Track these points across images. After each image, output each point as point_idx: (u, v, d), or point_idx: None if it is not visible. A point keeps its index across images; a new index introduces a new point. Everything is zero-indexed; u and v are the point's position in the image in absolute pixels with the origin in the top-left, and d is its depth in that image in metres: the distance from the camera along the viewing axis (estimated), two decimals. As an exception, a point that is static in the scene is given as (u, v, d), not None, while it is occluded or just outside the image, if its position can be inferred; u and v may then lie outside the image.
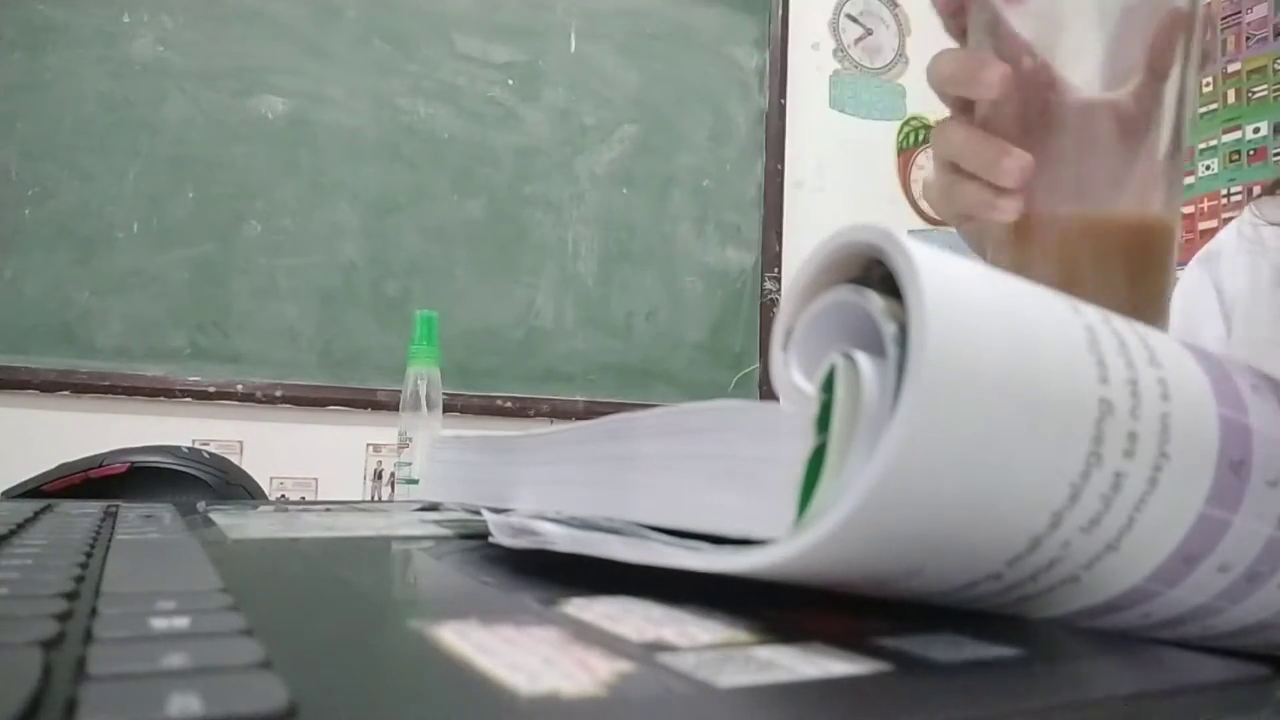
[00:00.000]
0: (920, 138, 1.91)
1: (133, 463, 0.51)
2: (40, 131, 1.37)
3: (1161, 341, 0.15)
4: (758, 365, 1.71)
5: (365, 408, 1.48)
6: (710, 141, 1.74)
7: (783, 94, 1.79)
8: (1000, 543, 0.13)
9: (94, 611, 0.13)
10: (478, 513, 0.24)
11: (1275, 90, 1.66)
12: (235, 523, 0.29)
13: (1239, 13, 1.72)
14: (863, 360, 0.13)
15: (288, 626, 0.13)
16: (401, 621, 0.14)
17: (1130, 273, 0.33)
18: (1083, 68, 0.32)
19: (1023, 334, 0.13)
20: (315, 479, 1.47)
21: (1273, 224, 0.56)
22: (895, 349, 0.13)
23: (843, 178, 1.84)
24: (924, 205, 1.90)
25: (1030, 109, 0.33)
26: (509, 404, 1.56)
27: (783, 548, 0.13)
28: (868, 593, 0.14)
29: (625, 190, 1.67)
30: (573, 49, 1.66)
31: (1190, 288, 0.60)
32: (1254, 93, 1.69)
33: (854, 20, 1.90)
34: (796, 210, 1.77)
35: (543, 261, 1.61)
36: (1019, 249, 0.34)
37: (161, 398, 1.41)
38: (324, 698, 0.09)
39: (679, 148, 1.71)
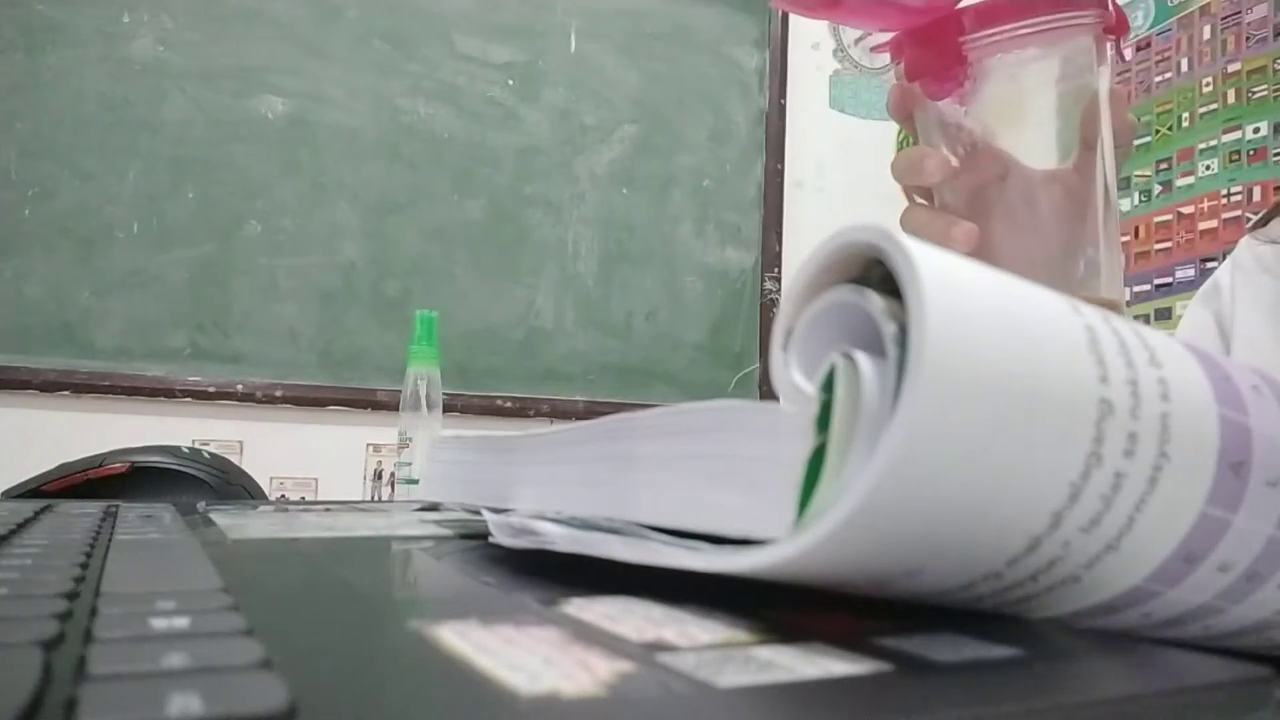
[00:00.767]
0: (920, 138, 1.91)
1: (133, 463, 0.51)
2: (40, 131, 1.38)
3: (1161, 341, 0.15)
4: (758, 365, 1.71)
5: (365, 408, 1.48)
6: (710, 141, 1.74)
7: (783, 94, 1.79)
8: (1000, 543, 0.13)
9: (94, 611, 0.13)
10: (478, 513, 0.24)
11: (1275, 90, 1.66)
12: (235, 523, 0.29)
13: (1239, 13, 1.72)
14: (863, 360, 0.13)
15: (288, 626, 0.13)
16: (401, 621, 0.14)
17: None
18: (1034, 149, 0.37)
19: (1023, 334, 0.13)
20: (315, 479, 1.47)
21: (1273, 241, 0.57)
22: (895, 349, 0.13)
23: (843, 178, 1.84)
24: (924, 205, 1.90)
25: (979, 189, 0.37)
26: (509, 404, 1.56)
27: (783, 548, 0.13)
28: (868, 593, 0.14)
29: (625, 190, 1.67)
30: (573, 49, 1.66)
31: (1193, 326, 0.61)
32: (1254, 93, 1.69)
33: (854, 20, 1.89)
34: (796, 210, 1.77)
35: (543, 261, 1.61)
36: None
37: (161, 398, 1.41)
38: (324, 698, 0.09)
39: (679, 148, 1.71)
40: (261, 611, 0.14)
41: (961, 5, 0.36)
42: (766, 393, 1.66)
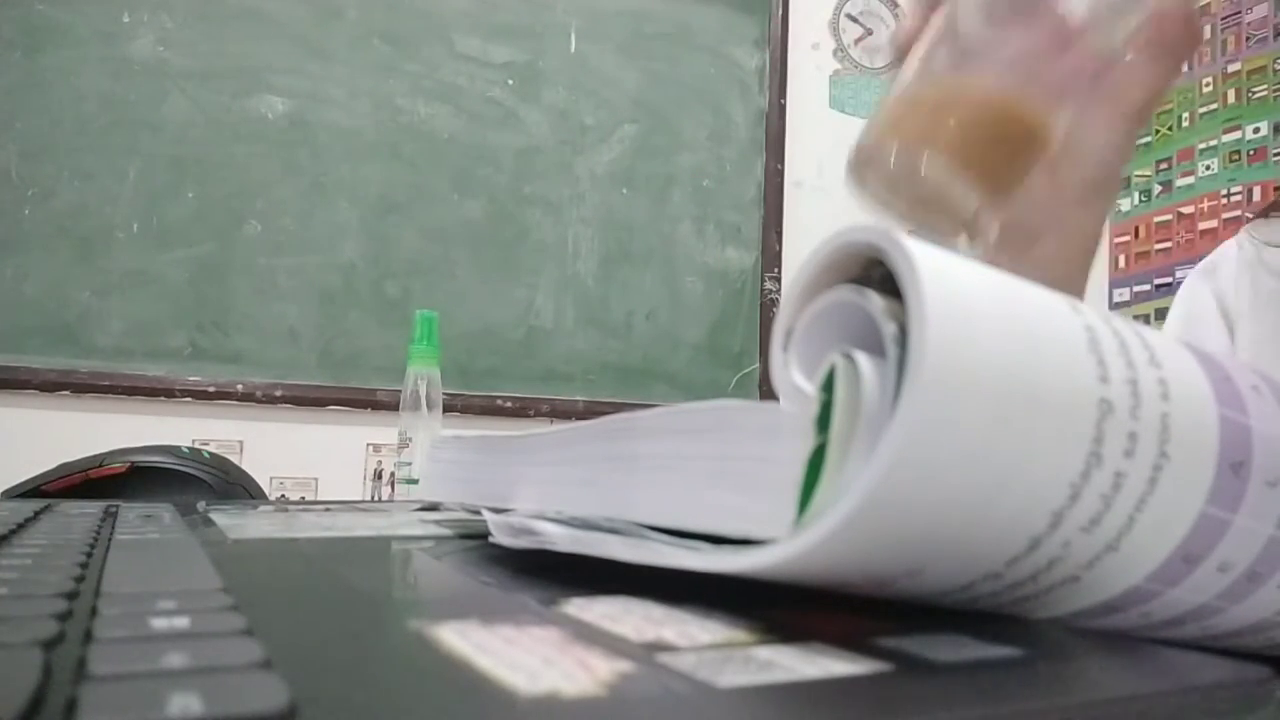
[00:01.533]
0: (920, 138, 1.91)
1: (133, 463, 0.51)
2: (40, 131, 1.38)
3: (1162, 342, 0.15)
4: (758, 365, 1.71)
5: (365, 408, 1.48)
6: (710, 141, 1.74)
7: (783, 94, 1.79)
8: (1000, 543, 0.13)
9: (94, 611, 0.13)
10: (478, 513, 0.24)
11: (1275, 90, 1.66)
12: (235, 523, 0.29)
13: (1239, 13, 1.72)
14: (863, 360, 0.13)
15: (288, 626, 0.13)
16: (401, 621, 0.14)
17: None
18: None
19: (1023, 334, 0.13)
20: (315, 479, 1.47)
21: (1271, 244, 0.56)
22: (895, 349, 0.13)
23: (843, 178, 1.83)
24: (924, 205, 1.90)
25: None
26: (509, 404, 1.56)
27: (783, 548, 0.13)
28: (868, 593, 0.14)
29: (625, 190, 1.67)
30: (573, 49, 1.66)
31: (1191, 299, 0.60)
32: (1254, 93, 1.69)
33: (854, 20, 1.90)
34: (796, 210, 1.77)
35: (543, 261, 1.61)
36: None
37: (161, 398, 1.41)
38: (324, 698, 0.09)
39: (679, 148, 1.71)
40: (261, 611, 0.14)
41: None
42: (766, 393, 1.65)
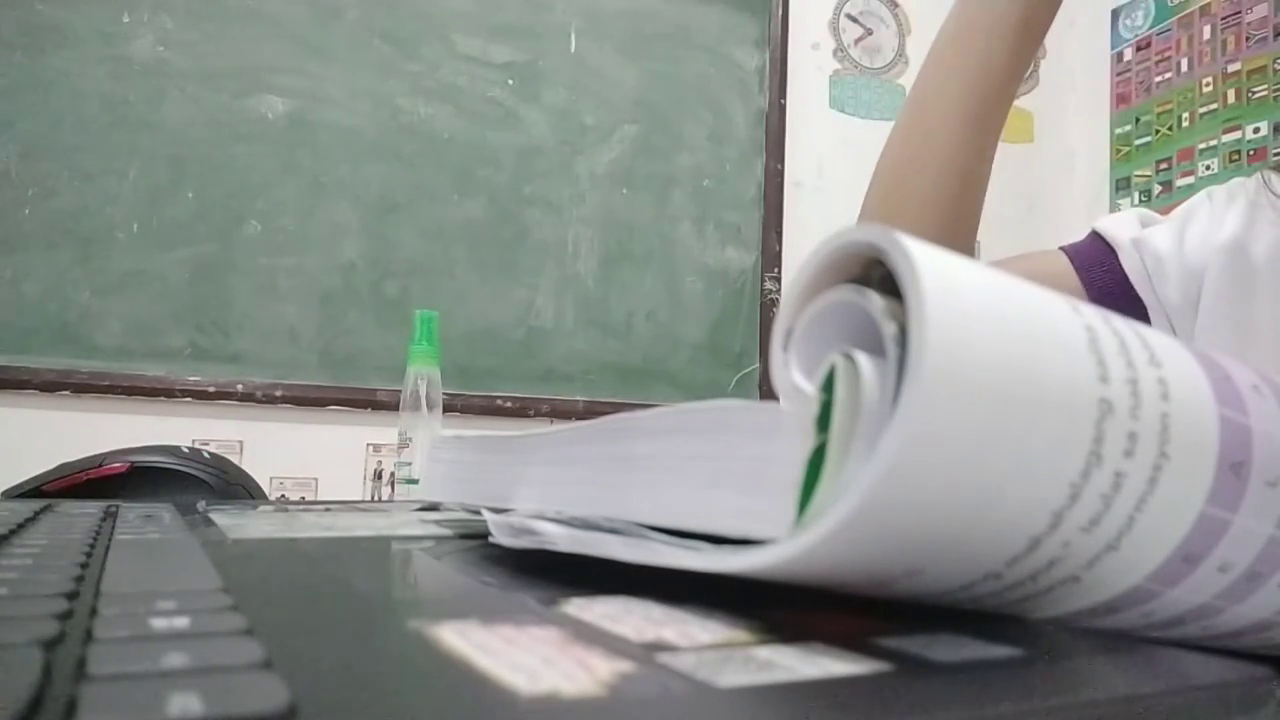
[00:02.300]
0: (920, 138, 1.91)
1: (133, 463, 0.51)
2: (40, 131, 1.38)
3: (1162, 341, 0.15)
4: (758, 365, 1.71)
5: (365, 408, 1.48)
6: (710, 141, 1.74)
7: (783, 94, 1.79)
8: (1000, 543, 0.13)
9: (94, 611, 0.13)
10: (478, 513, 0.24)
11: (1275, 90, 1.66)
12: (235, 523, 0.29)
13: (1239, 13, 1.72)
14: (863, 360, 0.13)
15: (288, 626, 0.13)
16: (401, 621, 0.14)
17: None
18: None
19: (1023, 334, 0.13)
20: (315, 479, 1.47)
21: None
22: (895, 349, 0.13)
23: (843, 178, 1.84)
24: (924, 205, 1.90)
25: None
26: (509, 404, 1.56)
27: (783, 548, 0.13)
28: (868, 593, 0.14)
29: (625, 190, 1.67)
30: (573, 49, 1.66)
31: (1191, 204, 0.58)
32: (1254, 93, 1.69)
33: (854, 20, 1.90)
34: (796, 210, 1.77)
35: (543, 261, 1.61)
36: None
37: (161, 398, 1.41)
38: (324, 698, 0.09)
39: (679, 148, 1.71)
40: (261, 611, 0.14)
41: None
42: (766, 393, 1.66)
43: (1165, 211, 0.63)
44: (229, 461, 0.55)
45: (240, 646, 0.11)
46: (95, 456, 0.51)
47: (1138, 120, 1.89)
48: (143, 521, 0.28)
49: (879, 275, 0.14)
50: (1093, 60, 2.00)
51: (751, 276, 1.74)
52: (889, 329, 0.13)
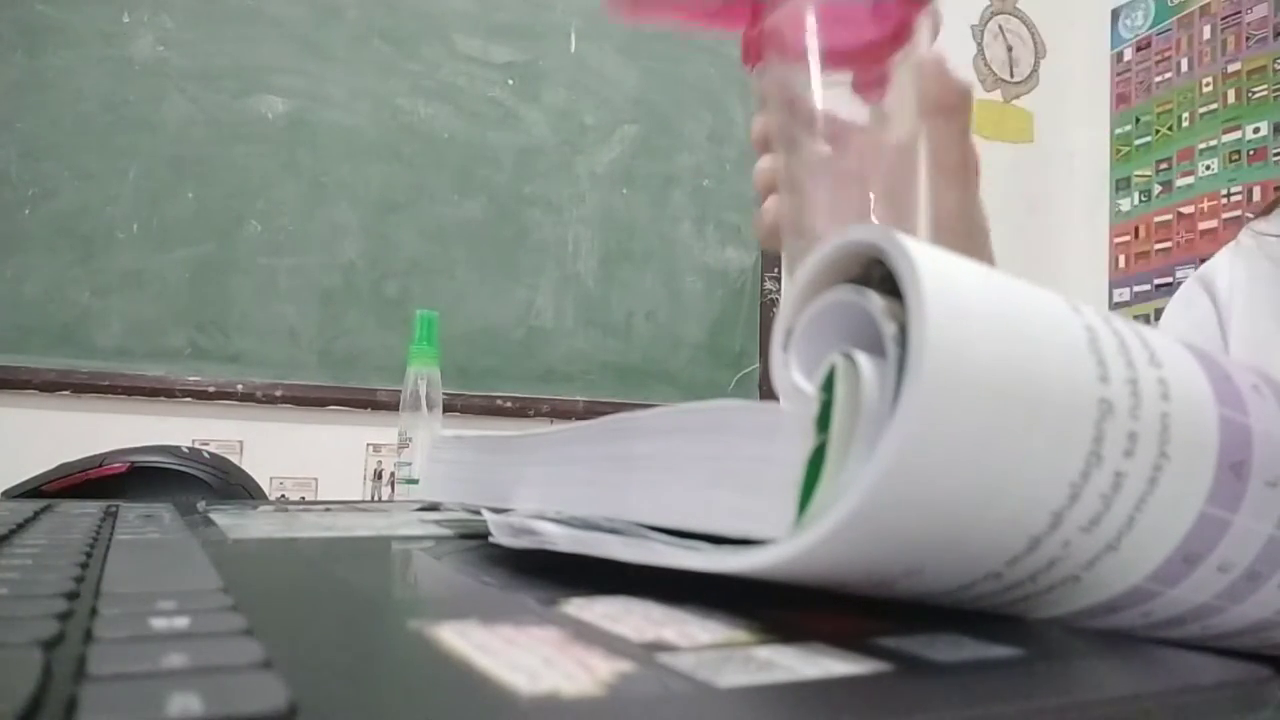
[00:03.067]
0: (920, 138, 1.91)
1: (133, 463, 0.51)
2: (40, 131, 1.38)
3: (1161, 341, 0.15)
4: (758, 365, 1.71)
5: (365, 408, 1.48)
6: (710, 141, 1.74)
7: (783, 94, 1.79)
8: (1000, 543, 0.13)
9: (94, 611, 0.13)
10: (478, 513, 0.24)
11: (1275, 90, 1.66)
12: (235, 523, 0.29)
13: (1239, 13, 1.72)
14: (863, 360, 0.13)
15: (288, 626, 0.13)
16: (401, 621, 0.14)
17: None
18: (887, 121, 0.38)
19: (1023, 334, 0.13)
20: (315, 479, 1.47)
21: (1270, 235, 0.57)
22: (895, 349, 0.13)
23: (843, 178, 1.84)
24: (924, 205, 1.90)
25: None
26: (509, 404, 1.56)
27: (783, 548, 0.13)
28: (868, 593, 0.14)
29: (625, 190, 1.67)
30: (573, 49, 1.66)
31: (1189, 306, 0.61)
32: (1254, 93, 1.69)
33: (854, 20, 1.89)
34: (796, 210, 1.77)
35: (543, 261, 1.61)
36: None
37: (161, 398, 1.41)
38: (324, 698, 0.09)
39: (679, 148, 1.71)
40: (261, 611, 0.14)
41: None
42: (766, 393, 1.65)
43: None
44: (229, 461, 0.55)
45: (240, 646, 0.11)
46: (95, 456, 0.51)
47: (1138, 120, 1.89)
48: (143, 521, 0.28)
49: (879, 275, 0.14)
50: (1093, 60, 2.00)
51: (751, 276, 1.74)
52: (889, 329, 0.13)
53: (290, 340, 1.47)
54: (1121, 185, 1.92)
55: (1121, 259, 1.89)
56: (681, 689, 0.10)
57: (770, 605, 0.15)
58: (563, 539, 0.18)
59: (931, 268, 0.12)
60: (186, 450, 0.53)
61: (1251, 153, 1.68)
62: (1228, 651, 0.14)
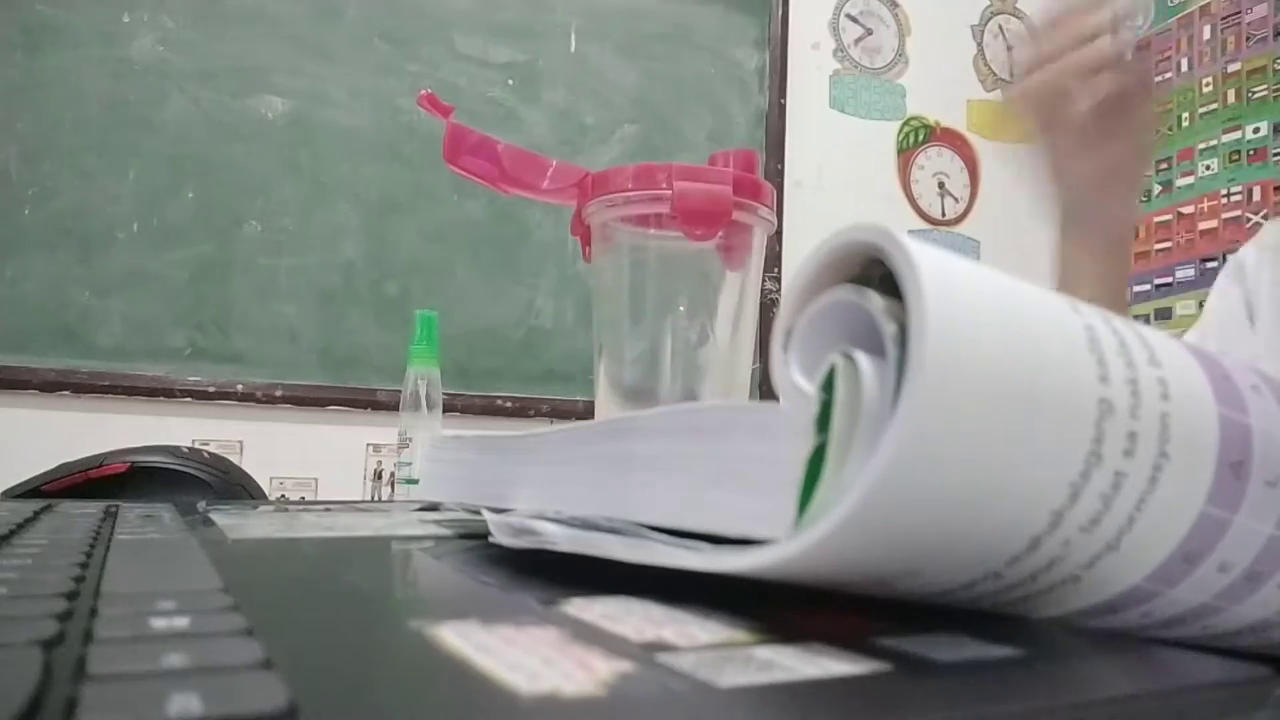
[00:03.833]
0: (920, 138, 1.91)
1: (133, 463, 0.51)
2: (40, 131, 1.37)
3: (1161, 341, 0.15)
4: (758, 365, 1.71)
5: (365, 408, 1.48)
6: (710, 141, 1.74)
7: (783, 94, 1.79)
8: (1000, 543, 0.13)
9: (94, 611, 0.13)
10: (478, 513, 0.24)
11: (1275, 90, 1.66)
12: (235, 523, 0.29)
13: (1239, 13, 1.72)
14: (863, 360, 0.13)
15: (288, 626, 0.13)
16: (401, 621, 0.14)
17: None
18: None
19: (1023, 334, 0.13)
20: (315, 479, 1.47)
21: None
22: (895, 349, 0.13)
23: (843, 178, 1.84)
24: (924, 205, 1.90)
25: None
26: (509, 404, 1.56)
27: (783, 548, 0.13)
28: (868, 593, 0.14)
29: (625, 190, 1.67)
30: (573, 49, 1.66)
31: (1223, 303, 0.62)
32: (1254, 93, 1.69)
33: (854, 20, 1.90)
34: (796, 210, 1.77)
35: (543, 261, 1.61)
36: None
37: (161, 398, 1.41)
38: (324, 698, 0.09)
39: (679, 148, 1.71)
40: (261, 611, 0.14)
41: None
42: (766, 393, 1.65)
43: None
44: (229, 461, 0.55)
45: (240, 646, 0.11)
46: (95, 456, 0.51)
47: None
48: (143, 521, 0.28)
49: (879, 275, 0.14)
50: (1093, 60, 2.00)
51: (751, 276, 1.74)
52: (889, 329, 0.13)
53: (290, 340, 1.47)
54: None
55: (1121, 259, 1.89)
56: (681, 689, 0.10)
57: (770, 605, 0.15)
58: (563, 539, 0.18)
59: (931, 268, 0.12)
60: (186, 450, 0.53)
61: (1251, 153, 1.68)
62: (1228, 651, 0.14)
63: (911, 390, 0.12)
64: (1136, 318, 1.52)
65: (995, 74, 1.98)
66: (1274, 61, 1.66)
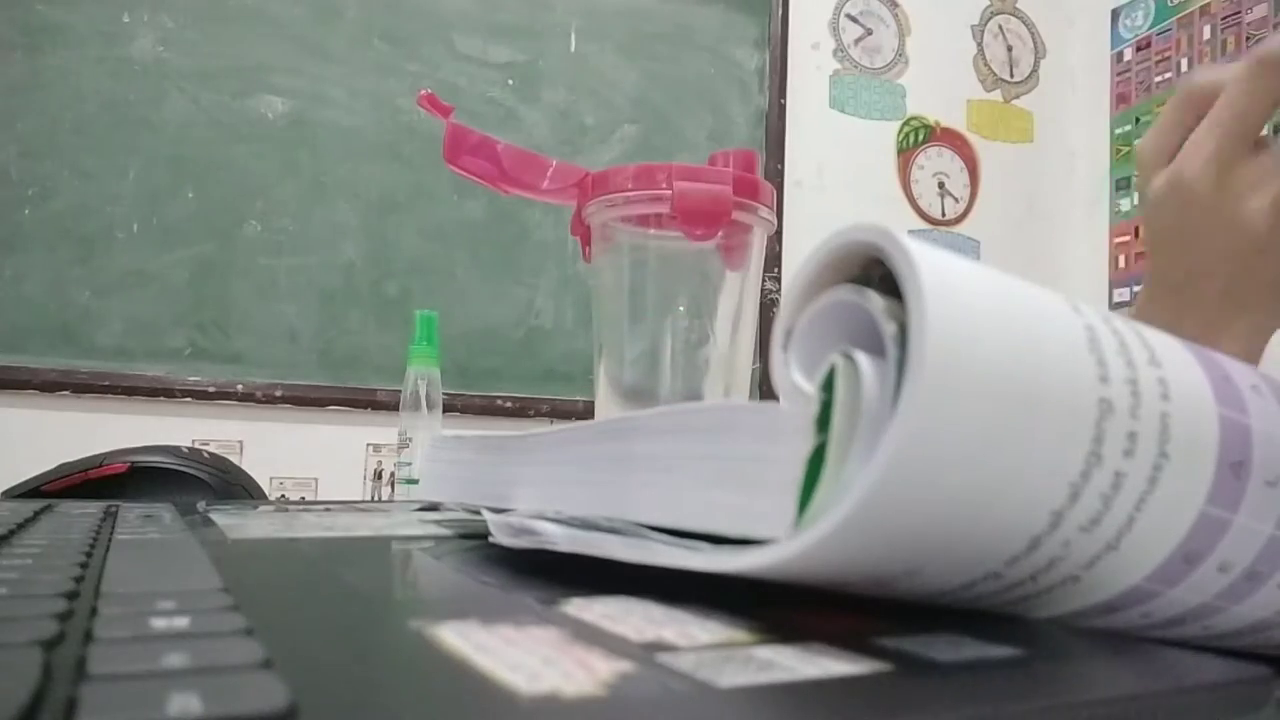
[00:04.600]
0: (920, 138, 1.91)
1: (133, 463, 0.51)
2: (40, 131, 1.37)
3: (1162, 341, 0.15)
4: (758, 365, 1.71)
5: (365, 408, 1.48)
6: (710, 141, 1.74)
7: (783, 94, 1.79)
8: (1000, 543, 0.13)
9: (94, 611, 0.13)
10: (478, 513, 0.24)
11: (1275, 90, 1.65)
12: (235, 523, 0.29)
13: (1239, 13, 1.72)
14: (863, 360, 0.13)
15: (288, 626, 0.13)
16: (401, 621, 0.14)
17: None
18: None
19: (1023, 334, 0.13)
20: (315, 479, 1.47)
21: None
22: (895, 349, 0.13)
23: (843, 178, 1.84)
24: (924, 205, 1.90)
25: None
26: (509, 404, 1.56)
27: (783, 548, 0.13)
28: (868, 593, 0.14)
29: (625, 190, 1.67)
30: (573, 49, 1.66)
31: None
32: (1254, 93, 1.68)
33: (854, 20, 1.90)
34: (796, 210, 1.77)
35: (543, 261, 1.61)
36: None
37: (161, 398, 1.41)
38: (324, 698, 0.09)
39: (679, 148, 1.71)
40: (261, 611, 0.14)
41: None
42: (766, 393, 1.65)
43: None
44: (229, 461, 0.55)
45: (240, 646, 0.11)
46: (95, 456, 0.51)
47: (1138, 120, 1.89)
48: (143, 521, 0.28)
49: (879, 275, 0.14)
50: (1093, 60, 2.00)
51: (751, 276, 1.74)
52: (889, 329, 0.13)
53: (290, 340, 1.47)
54: (1121, 185, 1.92)
55: (1121, 259, 1.89)
56: (681, 689, 0.10)
57: (770, 605, 0.15)
58: (563, 539, 0.18)
59: (931, 267, 0.12)
60: (186, 450, 0.53)
61: (1251, 153, 1.67)
62: (1228, 651, 0.14)
63: (911, 390, 0.12)
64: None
65: (995, 74, 1.98)
66: (1274, 61, 1.66)
